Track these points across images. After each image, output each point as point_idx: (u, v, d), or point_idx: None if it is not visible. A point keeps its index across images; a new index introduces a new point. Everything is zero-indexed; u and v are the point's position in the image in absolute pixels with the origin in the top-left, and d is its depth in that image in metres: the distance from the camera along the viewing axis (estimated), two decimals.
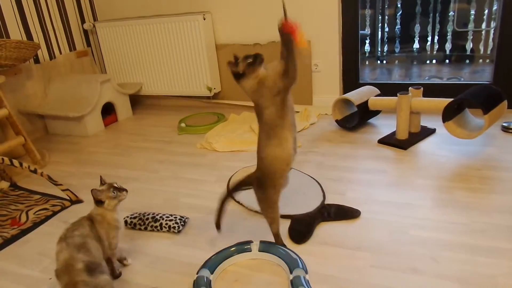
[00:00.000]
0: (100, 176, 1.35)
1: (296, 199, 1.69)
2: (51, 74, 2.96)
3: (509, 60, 2.38)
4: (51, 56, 2.97)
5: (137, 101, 3.42)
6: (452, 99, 1.97)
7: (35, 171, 1.86)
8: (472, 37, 3.66)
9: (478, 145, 2.03)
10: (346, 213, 1.57)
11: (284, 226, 1.52)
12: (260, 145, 1.29)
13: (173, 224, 1.56)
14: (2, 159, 1.75)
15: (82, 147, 2.60)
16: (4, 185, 2.10)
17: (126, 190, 1.32)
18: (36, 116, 2.90)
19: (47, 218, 1.79)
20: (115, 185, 1.30)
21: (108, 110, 2.96)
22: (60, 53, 3.03)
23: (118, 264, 1.38)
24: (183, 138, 2.57)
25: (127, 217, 1.63)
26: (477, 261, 1.26)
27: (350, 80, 2.76)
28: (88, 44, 3.28)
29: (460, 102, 2.02)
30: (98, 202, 1.27)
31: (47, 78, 2.93)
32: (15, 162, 1.79)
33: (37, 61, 2.86)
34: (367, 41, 3.84)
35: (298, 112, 2.67)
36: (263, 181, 1.31)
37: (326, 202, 1.66)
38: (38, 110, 2.82)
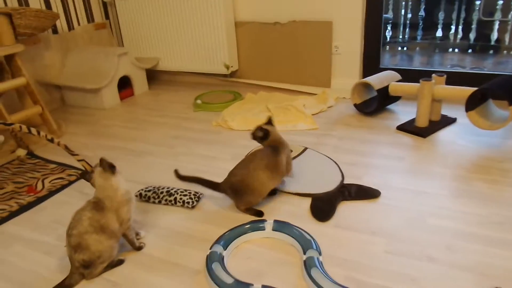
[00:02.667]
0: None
1: (315, 178, 1.68)
2: (69, 45, 2.95)
3: None
4: (70, 27, 2.96)
5: (153, 76, 3.41)
6: (476, 88, 1.92)
7: (52, 140, 1.87)
8: (498, 27, 3.55)
9: (500, 137, 1.98)
10: (366, 193, 1.55)
11: (305, 205, 1.53)
12: (257, 161, 1.50)
13: (187, 199, 1.56)
14: (20, 126, 1.76)
15: (98, 120, 2.61)
16: (21, 152, 2.12)
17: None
18: (54, 87, 2.91)
19: (63, 187, 1.80)
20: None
21: (124, 84, 2.95)
22: (79, 24, 3.02)
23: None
24: (198, 115, 2.55)
25: (142, 190, 1.64)
26: (493, 253, 1.23)
27: (371, 65, 2.71)
28: (107, 17, 3.26)
29: (485, 92, 1.97)
30: (113, 167, 1.26)
31: (65, 49, 2.93)
32: (33, 130, 1.79)
33: (55, 31, 2.86)
34: (389, 26, 3.76)
35: (315, 94, 2.63)
36: (243, 190, 1.46)
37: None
38: (55, 81, 2.83)
